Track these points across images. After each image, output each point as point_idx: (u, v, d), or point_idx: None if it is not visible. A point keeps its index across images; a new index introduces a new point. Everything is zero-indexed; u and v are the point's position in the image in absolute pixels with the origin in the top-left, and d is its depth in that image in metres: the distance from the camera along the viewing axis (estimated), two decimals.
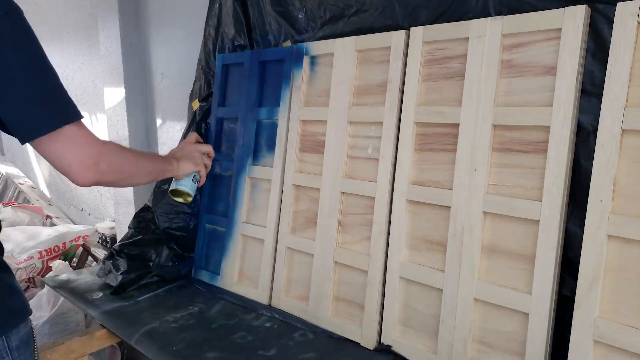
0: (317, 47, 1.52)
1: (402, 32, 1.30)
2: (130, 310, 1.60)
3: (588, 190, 0.99)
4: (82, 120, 0.96)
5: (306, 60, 1.55)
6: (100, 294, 1.73)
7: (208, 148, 1.48)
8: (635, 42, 0.94)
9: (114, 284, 1.73)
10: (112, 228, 2.75)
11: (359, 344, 1.36)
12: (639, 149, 0.94)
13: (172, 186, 1.42)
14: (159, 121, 2.44)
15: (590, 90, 1.04)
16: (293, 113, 1.57)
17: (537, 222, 1.06)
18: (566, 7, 1.03)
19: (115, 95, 2.49)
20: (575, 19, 1.01)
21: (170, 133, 2.38)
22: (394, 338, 1.30)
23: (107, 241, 2.74)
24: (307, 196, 1.54)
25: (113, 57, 2.44)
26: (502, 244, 1.13)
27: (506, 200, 1.11)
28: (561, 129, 1.03)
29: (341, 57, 1.44)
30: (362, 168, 1.40)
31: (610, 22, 0.98)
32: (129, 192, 2.49)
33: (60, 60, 3.17)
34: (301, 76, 1.55)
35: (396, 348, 1.30)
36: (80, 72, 3.02)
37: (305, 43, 1.56)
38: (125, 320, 1.52)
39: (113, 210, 2.81)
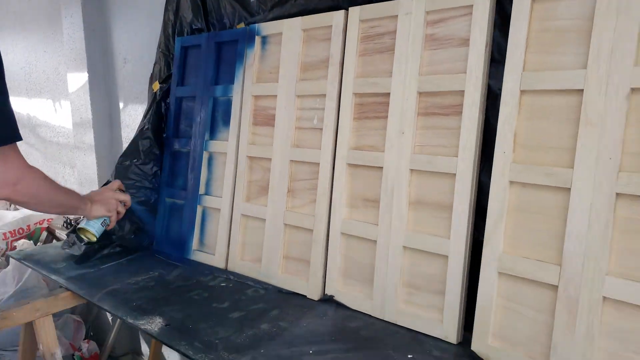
0: (267, 28, 1.65)
1: (342, 12, 1.44)
2: (94, 275, 1.69)
3: None
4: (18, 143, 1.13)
5: (258, 40, 1.67)
6: (65, 264, 1.81)
7: (125, 197, 1.56)
8: (529, 15, 1.10)
9: (78, 254, 1.81)
10: None
11: (306, 296, 1.49)
12: (534, 106, 1.10)
13: (81, 224, 1.51)
14: (121, 104, 2.52)
15: (498, 59, 1.19)
16: (246, 89, 1.69)
17: (454, 175, 1.21)
18: None
19: (78, 80, 2.55)
20: None
21: (132, 115, 2.46)
22: (336, 289, 1.44)
23: (71, 224, 2.79)
24: (260, 166, 1.66)
25: (76, 43, 2.51)
26: (426, 196, 1.27)
27: (429, 158, 1.25)
28: (473, 93, 1.18)
29: (289, 36, 1.57)
30: (309, 137, 1.53)
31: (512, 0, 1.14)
32: (92, 172, 2.57)
33: (23, 49, 3.20)
34: (253, 55, 1.68)
35: (338, 297, 1.43)
36: (44, 60, 3.06)
37: (256, 24, 1.68)
38: (89, 283, 1.62)
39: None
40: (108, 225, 1.53)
